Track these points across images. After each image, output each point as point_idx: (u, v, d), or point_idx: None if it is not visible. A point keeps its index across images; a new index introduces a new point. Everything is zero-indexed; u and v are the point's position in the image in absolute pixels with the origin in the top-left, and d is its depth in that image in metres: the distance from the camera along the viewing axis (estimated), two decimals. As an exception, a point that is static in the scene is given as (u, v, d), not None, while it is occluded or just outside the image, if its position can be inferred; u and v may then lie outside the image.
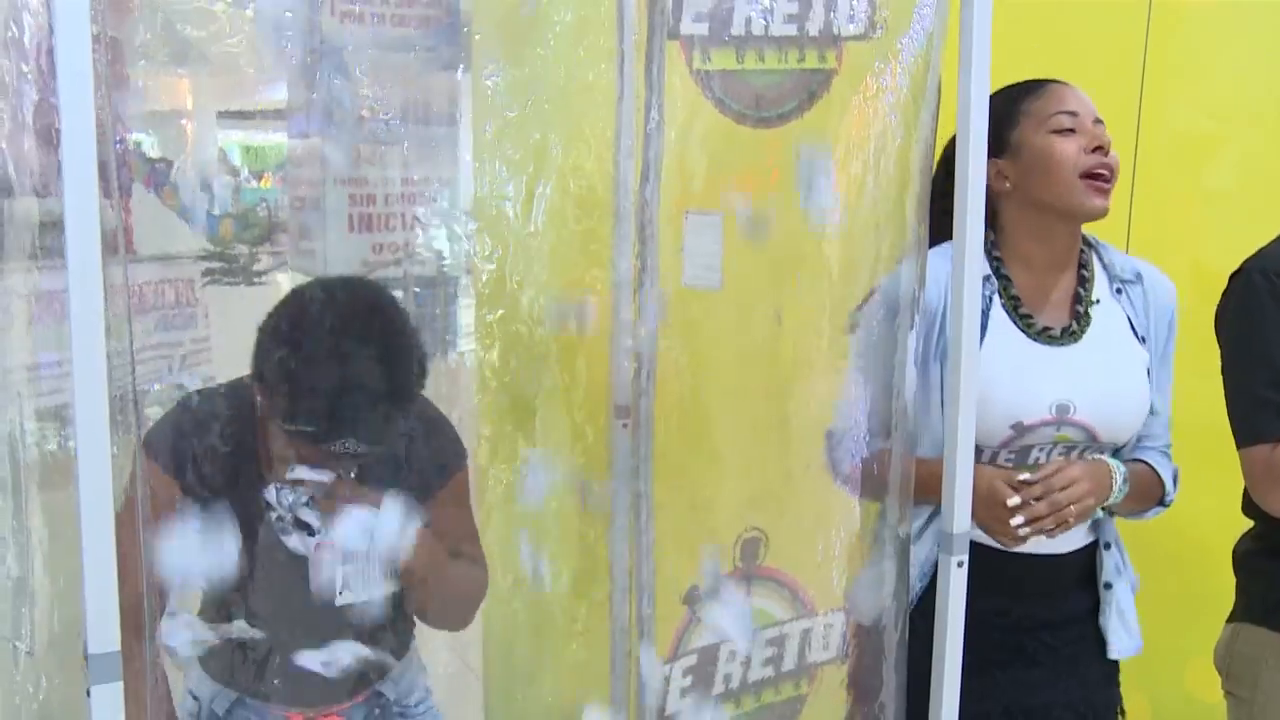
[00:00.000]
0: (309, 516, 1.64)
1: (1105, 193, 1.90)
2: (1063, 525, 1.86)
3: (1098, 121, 1.93)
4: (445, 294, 2.00)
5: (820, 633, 2.14)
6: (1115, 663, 2.10)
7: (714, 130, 1.90)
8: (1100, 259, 2.05)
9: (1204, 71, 3.05)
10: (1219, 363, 2.10)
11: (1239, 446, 2.00)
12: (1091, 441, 1.97)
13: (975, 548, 1.81)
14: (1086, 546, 2.05)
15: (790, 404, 2.05)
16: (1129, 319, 2.02)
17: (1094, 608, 2.07)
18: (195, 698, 1.80)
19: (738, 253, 1.96)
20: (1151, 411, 2.02)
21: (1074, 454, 1.97)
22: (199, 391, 1.64)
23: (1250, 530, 2.18)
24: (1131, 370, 1.99)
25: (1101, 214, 1.91)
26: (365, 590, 1.69)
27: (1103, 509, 1.98)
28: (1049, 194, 1.92)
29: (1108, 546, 2.05)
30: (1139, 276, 2.04)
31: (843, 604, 2.13)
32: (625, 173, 1.95)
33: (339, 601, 1.67)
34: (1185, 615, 2.71)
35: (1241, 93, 3.06)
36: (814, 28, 1.88)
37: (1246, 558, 2.18)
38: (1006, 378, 1.90)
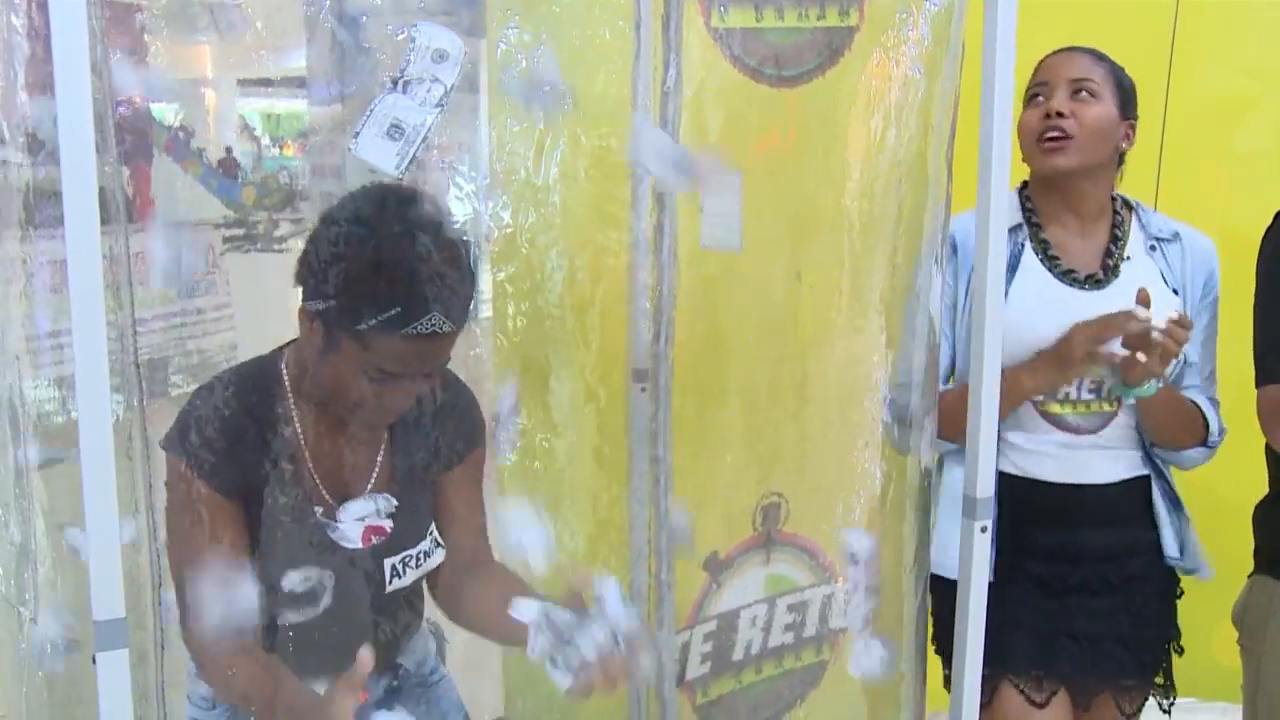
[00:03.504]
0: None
1: (1055, 151, 2.05)
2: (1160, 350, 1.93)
3: (1072, 82, 2.06)
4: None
5: (841, 599, 2.12)
6: (1173, 600, 2.23)
7: (732, 89, 1.88)
8: (1139, 219, 2.17)
9: (1233, 33, 3.05)
10: (1244, 324, 2.09)
11: (1256, 385, 2.02)
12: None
13: (1032, 484, 2.08)
14: (1136, 480, 2.13)
15: (810, 366, 2.02)
16: (1161, 273, 2.11)
17: (1156, 544, 2.14)
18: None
19: (757, 212, 1.93)
20: (1185, 361, 2.09)
21: (1104, 391, 2.07)
22: (209, 385, 1.53)
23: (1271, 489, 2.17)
24: (1158, 316, 2.00)
25: (1055, 171, 2.07)
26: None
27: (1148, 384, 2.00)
28: (1026, 158, 2.10)
29: (1160, 476, 2.13)
30: (1176, 235, 2.15)
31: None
32: (642, 132, 1.92)
33: (390, 588, 1.64)
34: (1212, 582, 2.68)
35: (1271, 55, 3.06)
36: (835, -17, 1.85)
37: (1263, 512, 2.19)
38: (1041, 314, 2.02)
